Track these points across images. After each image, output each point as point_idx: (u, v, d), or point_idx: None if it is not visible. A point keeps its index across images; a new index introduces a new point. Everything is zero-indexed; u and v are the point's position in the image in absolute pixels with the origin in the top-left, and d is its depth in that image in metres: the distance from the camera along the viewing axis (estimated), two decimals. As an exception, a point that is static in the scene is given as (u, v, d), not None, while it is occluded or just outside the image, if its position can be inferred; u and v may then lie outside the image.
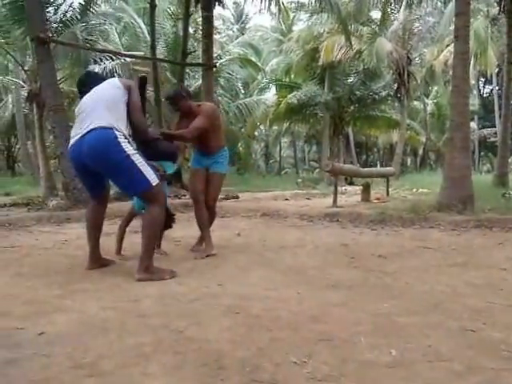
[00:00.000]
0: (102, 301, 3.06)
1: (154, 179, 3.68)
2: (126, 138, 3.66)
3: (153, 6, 12.38)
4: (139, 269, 3.67)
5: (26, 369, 2.08)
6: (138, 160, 3.64)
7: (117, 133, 3.60)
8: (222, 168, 5.01)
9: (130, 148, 3.64)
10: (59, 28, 12.22)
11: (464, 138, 7.44)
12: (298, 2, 22.07)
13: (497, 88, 30.14)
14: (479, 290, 3.38)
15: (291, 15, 27.67)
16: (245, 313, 2.83)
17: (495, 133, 27.83)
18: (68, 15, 12.46)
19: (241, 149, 29.40)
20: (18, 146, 25.45)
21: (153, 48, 12.49)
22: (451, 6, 17.63)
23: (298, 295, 3.25)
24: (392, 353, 2.25)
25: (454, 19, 7.90)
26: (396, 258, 4.58)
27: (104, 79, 4.14)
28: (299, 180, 18.33)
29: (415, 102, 29.22)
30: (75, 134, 3.80)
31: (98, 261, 4.11)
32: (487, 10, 20.94)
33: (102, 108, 3.70)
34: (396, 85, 21.27)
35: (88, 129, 3.65)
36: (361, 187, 14.80)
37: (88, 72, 4.86)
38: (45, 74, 8.39)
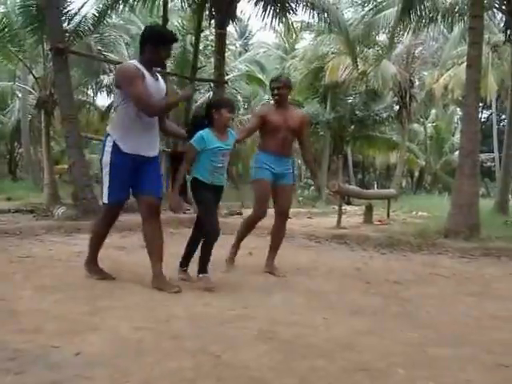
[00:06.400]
0: (133, 320, 3.07)
1: (105, 198, 3.96)
2: (114, 146, 3.87)
3: (165, 20, 12.47)
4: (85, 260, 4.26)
5: (73, 390, 2.10)
6: (107, 174, 3.90)
7: (107, 140, 3.93)
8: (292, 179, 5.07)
9: (107, 159, 3.89)
10: (72, 38, 12.28)
11: (473, 166, 7.53)
12: (303, 21, 22.23)
13: (495, 114, 30.41)
14: (503, 322, 3.41)
15: (294, 35, 27.88)
16: (277, 338, 2.86)
17: (492, 158, 28.05)
18: (82, 26, 12.55)
19: (240, 164, 29.40)
20: (19, 151, 25.43)
21: (163, 61, 12.56)
22: (456, 32, 17.91)
23: (324, 321, 3.27)
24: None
25: (467, 48, 8.04)
26: (411, 285, 4.62)
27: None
28: (300, 198, 18.35)
29: (414, 125, 29.45)
30: None
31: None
32: (488, 37, 21.24)
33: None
34: (398, 107, 21.49)
35: None
36: (359, 207, 14.98)
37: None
38: (61, 83, 8.43)
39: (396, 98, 21.33)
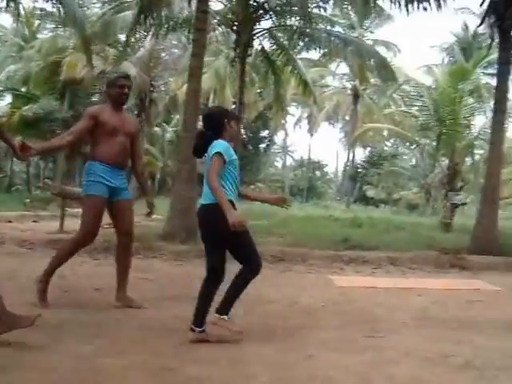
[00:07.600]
0: None
1: None
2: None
3: None
4: None
5: None
6: None
7: None
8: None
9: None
10: None
11: (191, 170, 7.84)
12: (44, 9, 20.79)
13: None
14: (182, 322, 3.52)
15: (36, 22, 26.00)
16: None
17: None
18: None
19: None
20: None
21: None
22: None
23: None
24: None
25: (190, 59, 8.39)
26: (113, 291, 4.54)
27: None
28: (27, 200, 16.97)
29: (156, 128, 30.09)
30: None
31: None
32: (228, 52, 22.84)
33: None
34: (137, 111, 21.60)
35: None
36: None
37: None
38: None
39: (135, 101, 21.39)
